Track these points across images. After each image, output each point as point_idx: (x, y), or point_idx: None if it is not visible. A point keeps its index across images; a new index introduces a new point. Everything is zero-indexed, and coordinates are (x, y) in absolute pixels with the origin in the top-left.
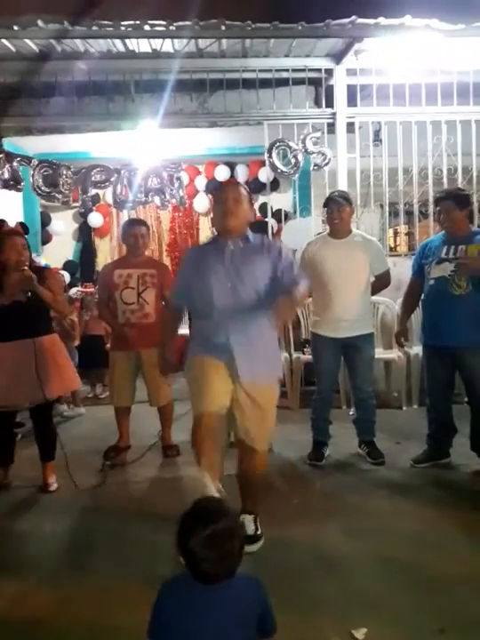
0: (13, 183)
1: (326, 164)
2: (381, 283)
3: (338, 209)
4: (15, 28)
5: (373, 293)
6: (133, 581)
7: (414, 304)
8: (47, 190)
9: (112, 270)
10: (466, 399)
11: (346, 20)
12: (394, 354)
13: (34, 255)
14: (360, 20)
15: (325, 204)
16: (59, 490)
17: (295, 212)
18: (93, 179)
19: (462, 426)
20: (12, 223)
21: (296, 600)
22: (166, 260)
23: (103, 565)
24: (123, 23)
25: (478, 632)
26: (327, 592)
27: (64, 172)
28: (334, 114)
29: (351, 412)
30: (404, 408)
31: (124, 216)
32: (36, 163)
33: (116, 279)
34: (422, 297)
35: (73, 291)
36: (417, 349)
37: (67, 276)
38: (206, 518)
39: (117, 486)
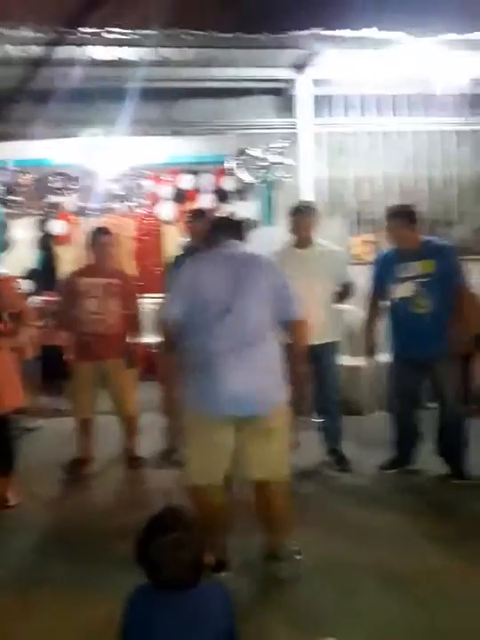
0: None
1: (290, 174)
2: (345, 292)
3: (301, 218)
4: None
5: (338, 302)
6: (97, 593)
7: (376, 317)
8: (6, 197)
9: (76, 279)
10: (432, 405)
11: (307, 32)
12: (360, 361)
13: None
14: (322, 32)
15: (289, 214)
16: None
17: (261, 222)
18: (53, 185)
19: (427, 432)
20: None
21: (259, 608)
22: (130, 269)
23: (66, 578)
24: (84, 31)
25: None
26: (292, 600)
27: (22, 179)
28: (297, 124)
29: (316, 420)
30: (369, 414)
31: (87, 224)
32: None
33: (80, 288)
34: (389, 312)
35: (33, 299)
36: (382, 357)
37: (27, 286)
38: (164, 527)
39: (79, 499)
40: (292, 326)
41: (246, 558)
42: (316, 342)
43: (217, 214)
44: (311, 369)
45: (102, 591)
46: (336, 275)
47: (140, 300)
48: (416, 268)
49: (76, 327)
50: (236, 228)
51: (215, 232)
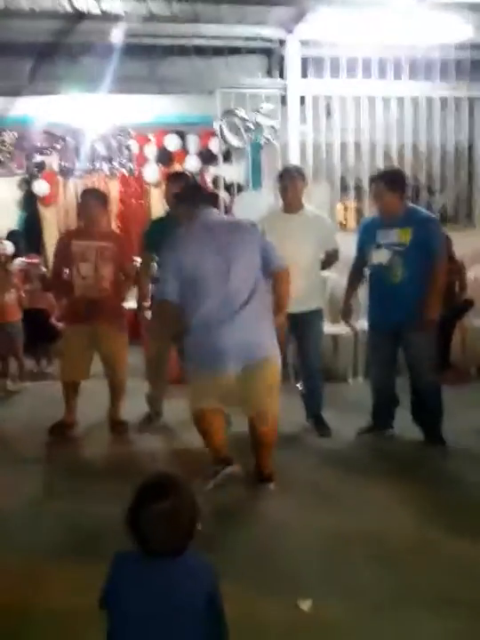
0: None
1: (276, 137)
2: (330, 259)
3: (291, 183)
4: None
5: (322, 269)
6: (80, 557)
7: (357, 283)
8: None
9: (69, 241)
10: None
11: None
12: (341, 329)
13: None
14: None
15: (278, 178)
16: None
17: (247, 185)
18: (37, 145)
19: (404, 398)
20: None
21: (243, 573)
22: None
23: (50, 542)
24: None
25: (419, 606)
26: (272, 565)
27: (6, 138)
28: (286, 85)
29: (299, 386)
30: (350, 381)
31: (72, 185)
32: None
33: (73, 250)
34: (368, 279)
35: (17, 261)
36: (363, 324)
37: (10, 247)
38: (156, 494)
39: (64, 463)
40: (276, 276)
41: (229, 531)
42: (301, 309)
43: (186, 183)
44: (294, 335)
45: (88, 554)
46: (322, 241)
47: (134, 263)
48: (394, 235)
49: (69, 290)
50: (207, 196)
51: (189, 202)
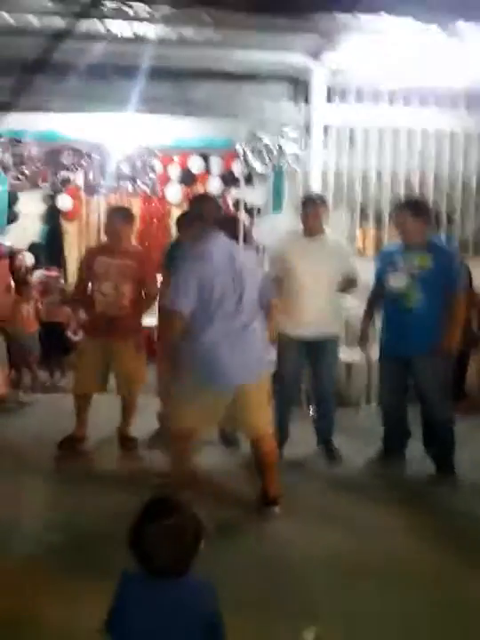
0: None
1: (299, 163)
2: (347, 285)
3: (313, 209)
4: None
5: (340, 295)
6: (85, 573)
7: (375, 310)
8: (14, 168)
9: (93, 257)
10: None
11: (326, 16)
12: (355, 354)
13: None
14: (339, 17)
15: (301, 204)
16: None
17: (268, 209)
18: (63, 161)
19: (417, 428)
20: None
21: (246, 597)
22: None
23: (54, 558)
24: (103, 3)
25: (423, 636)
26: (277, 591)
27: (33, 152)
28: (310, 112)
29: (311, 412)
30: (363, 407)
31: (95, 201)
32: (5, 140)
33: (96, 267)
34: (384, 304)
35: (36, 273)
36: (374, 350)
37: (30, 258)
38: (159, 513)
39: (71, 476)
40: (268, 305)
41: (234, 553)
42: (317, 333)
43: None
44: (309, 360)
45: (94, 570)
46: (341, 267)
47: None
48: (414, 260)
49: (89, 305)
50: (222, 222)
51: (203, 224)
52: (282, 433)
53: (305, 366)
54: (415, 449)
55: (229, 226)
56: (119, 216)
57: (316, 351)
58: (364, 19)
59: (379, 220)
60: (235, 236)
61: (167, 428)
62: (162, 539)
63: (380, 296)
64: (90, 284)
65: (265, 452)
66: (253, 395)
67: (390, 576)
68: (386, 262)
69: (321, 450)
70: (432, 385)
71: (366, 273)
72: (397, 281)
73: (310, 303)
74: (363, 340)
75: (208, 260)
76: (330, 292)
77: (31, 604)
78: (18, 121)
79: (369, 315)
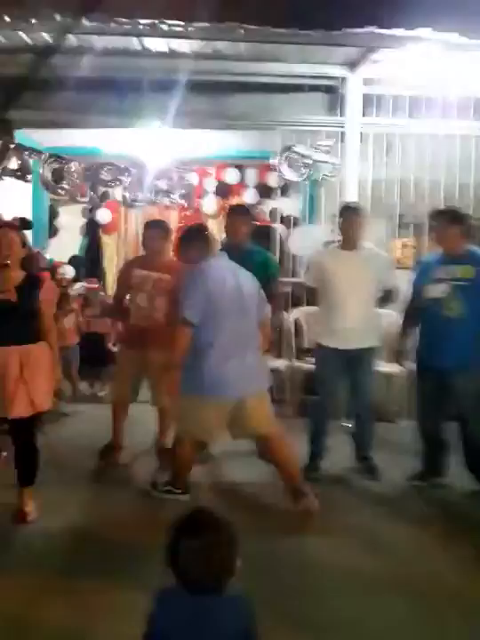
0: (21, 174)
1: (335, 173)
2: (387, 297)
3: (350, 220)
4: (32, 20)
5: (379, 306)
6: (123, 589)
7: (414, 323)
8: (55, 184)
9: (130, 270)
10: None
11: (362, 30)
12: (394, 367)
13: (39, 250)
14: (376, 31)
15: (339, 214)
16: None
17: (303, 219)
18: (103, 177)
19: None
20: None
21: (279, 614)
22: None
23: (93, 571)
24: (139, 21)
25: None
26: (312, 610)
27: (73, 167)
28: (347, 123)
29: (349, 425)
30: (402, 422)
31: (133, 214)
32: (47, 156)
33: (133, 279)
34: (421, 315)
35: (77, 286)
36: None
37: (70, 271)
38: (196, 528)
39: (108, 486)
40: (264, 322)
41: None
42: (356, 345)
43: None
44: (348, 372)
45: (130, 581)
46: (380, 279)
47: None
48: (455, 271)
49: (126, 317)
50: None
51: (206, 244)
52: (320, 446)
53: (343, 379)
54: (458, 465)
55: (265, 235)
56: (155, 229)
57: (355, 363)
58: (400, 32)
59: (417, 230)
60: (269, 246)
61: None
62: (198, 554)
63: (417, 308)
64: (127, 296)
65: (276, 447)
66: (257, 404)
67: (424, 599)
68: (424, 273)
69: (359, 465)
70: (472, 399)
71: (405, 284)
72: (437, 290)
73: (349, 315)
74: (401, 353)
75: (215, 277)
76: (368, 304)
77: (68, 612)
78: (58, 137)
79: (407, 327)
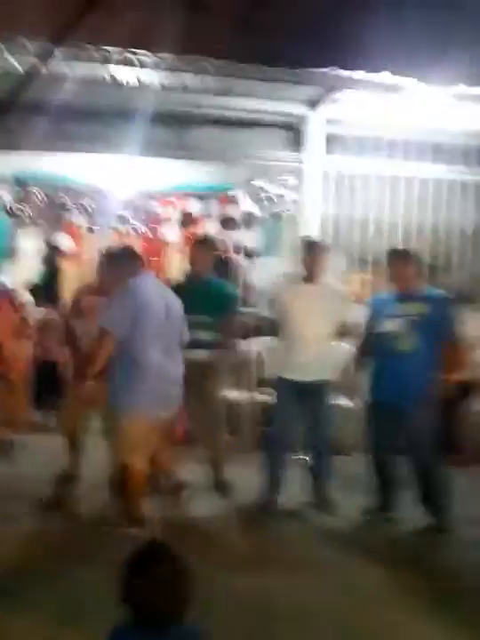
0: None
1: (295, 208)
2: (344, 331)
3: (313, 254)
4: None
5: (335, 340)
6: (77, 623)
7: (366, 358)
8: (16, 209)
9: (81, 297)
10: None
11: (324, 70)
12: (349, 400)
13: None
14: (339, 72)
15: (301, 248)
16: None
17: (263, 252)
18: (63, 202)
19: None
20: None
21: None
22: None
23: (45, 605)
24: (107, 49)
25: None
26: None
27: (35, 192)
28: (307, 160)
29: (306, 458)
30: (356, 455)
31: (92, 241)
32: (10, 180)
33: (83, 307)
34: (374, 349)
35: (34, 311)
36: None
37: (27, 296)
38: (149, 561)
39: (61, 521)
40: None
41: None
42: (312, 378)
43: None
44: (304, 406)
45: (82, 621)
46: (339, 313)
47: None
48: (409, 308)
49: (77, 346)
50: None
51: (136, 264)
52: (275, 481)
53: (301, 411)
54: (411, 499)
55: (225, 267)
56: (109, 256)
57: (313, 396)
58: (364, 74)
59: (376, 267)
60: (230, 277)
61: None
62: (152, 587)
63: (369, 343)
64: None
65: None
66: (127, 424)
67: (372, 636)
68: (378, 309)
69: (315, 498)
70: (423, 433)
71: (362, 319)
72: (392, 325)
73: (307, 347)
74: (354, 387)
75: (142, 294)
76: (327, 338)
77: None
78: (22, 162)
79: (360, 362)
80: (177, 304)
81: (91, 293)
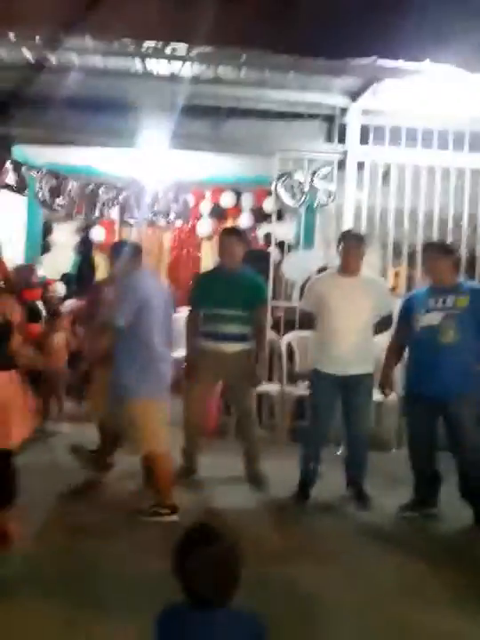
0: (18, 189)
1: (332, 200)
2: (384, 324)
3: (351, 246)
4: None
5: (374, 334)
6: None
7: (400, 354)
8: (51, 201)
9: (101, 287)
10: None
11: (366, 61)
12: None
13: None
14: (379, 62)
15: (341, 240)
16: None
17: (298, 245)
18: (100, 195)
19: (451, 473)
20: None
21: None
22: (166, 281)
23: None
24: (144, 44)
25: None
26: (294, 635)
27: (70, 185)
28: (345, 152)
29: (338, 452)
30: (394, 450)
31: (128, 233)
32: (44, 172)
33: (103, 296)
34: (409, 346)
35: (67, 303)
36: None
37: (61, 289)
38: (204, 540)
39: (95, 512)
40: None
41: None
42: (352, 371)
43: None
44: (342, 398)
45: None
46: (379, 306)
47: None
48: (449, 300)
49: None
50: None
51: (137, 257)
52: (311, 473)
53: (337, 405)
54: (449, 496)
55: (259, 259)
56: (126, 247)
57: (350, 389)
58: (401, 64)
59: (411, 259)
60: (264, 269)
61: (190, 466)
62: (207, 564)
63: (404, 338)
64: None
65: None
66: (144, 411)
67: (410, 632)
68: (415, 304)
69: (350, 494)
70: (467, 427)
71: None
72: (430, 319)
73: (345, 340)
74: (385, 384)
75: (143, 288)
76: (365, 331)
77: None
78: (56, 155)
79: (393, 357)
80: (169, 300)
81: (107, 285)
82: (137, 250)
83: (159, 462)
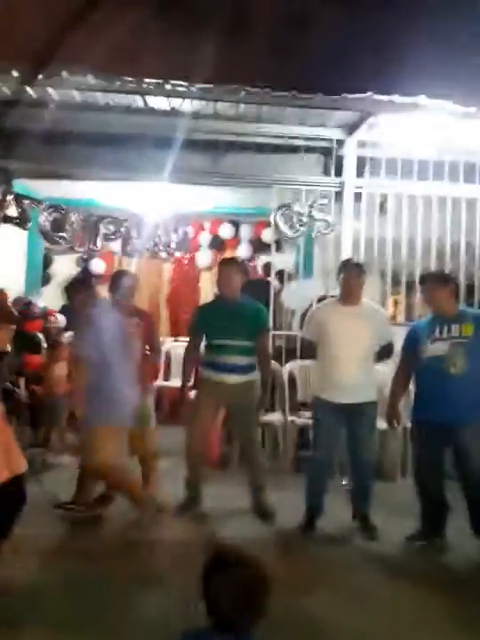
0: (20, 222)
1: (331, 231)
2: (384, 353)
3: (352, 276)
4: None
5: (376, 362)
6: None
7: (406, 385)
8: (53, 233)
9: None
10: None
11: (361, 96)
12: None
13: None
14: (375, 97)
15: (341, 269)
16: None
17: (297, 274)
18: (103, 231)
19: (458, 502)
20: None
21: None
22: (165, 313)
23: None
24: (145, 80)
25: None
26: None
27: (72, 218)
28: (342, 183)
29: (344, 482)
30: (399, 480)
31: (127, 265)
32: (46, 205)
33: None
34: (416, 376)
35: (67, 334)
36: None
37: (61, 320)
38: (234, 563)
39: (97, 540)
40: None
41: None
42: (355, 400)
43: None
44: (347, 428)
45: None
46: (379, 335)
47: (161, 340)
48: (454, 329)
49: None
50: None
51: (93, 293)
52: (317, 504)
53: (341, 433)
54: (459, 526)
55: (259, 288)
56: (123, 277)
57: (354, 418)
58: (398, 98)
59: (409, 288)
60: (264, 298)
61: (195, 493)
62: (235, 585)
63: (409, 370)
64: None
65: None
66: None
67: None
68: (419, 334)
69: (357, 524)
70: (476, 457)
71: (398, 340)
72: (437, 349)
73: (348, 369)
74: (393, 416)
75: (104, 318)
76: (367, 359)
77: None
78: (58, 188)
79: (400, 389)
80: (128, 331)
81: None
82: (90, 282)
83: (108, 468)
